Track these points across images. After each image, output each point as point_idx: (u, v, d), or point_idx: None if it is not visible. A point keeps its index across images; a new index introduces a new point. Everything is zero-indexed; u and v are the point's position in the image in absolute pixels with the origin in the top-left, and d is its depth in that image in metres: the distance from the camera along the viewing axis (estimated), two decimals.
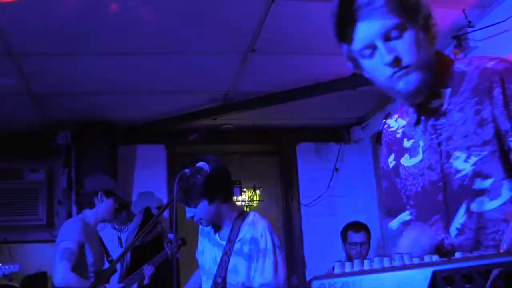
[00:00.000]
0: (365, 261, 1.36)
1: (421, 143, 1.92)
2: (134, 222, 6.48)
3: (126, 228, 6.47)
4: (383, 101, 6.14)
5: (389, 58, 1.72)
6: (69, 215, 5.52)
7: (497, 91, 1.74)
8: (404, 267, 1.30)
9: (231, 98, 5.92)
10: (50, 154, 6.58)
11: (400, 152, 2.00)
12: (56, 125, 6.41)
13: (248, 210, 7.21)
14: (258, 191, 7.70)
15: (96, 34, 4.38)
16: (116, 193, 5.04)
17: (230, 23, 4.35)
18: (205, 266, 3.54)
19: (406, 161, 1.98)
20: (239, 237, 3.35)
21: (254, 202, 7.75)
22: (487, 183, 1.77)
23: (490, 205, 1.77)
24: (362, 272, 1.32)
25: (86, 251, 4.75)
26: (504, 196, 1.76)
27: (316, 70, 5.27)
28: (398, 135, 2.02)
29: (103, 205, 4.94)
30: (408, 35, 1.74)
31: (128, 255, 6.08)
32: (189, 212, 3.35)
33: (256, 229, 3.32)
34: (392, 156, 2.03)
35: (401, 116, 2.04)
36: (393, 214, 2.03)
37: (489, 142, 1.75)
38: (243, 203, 7.57)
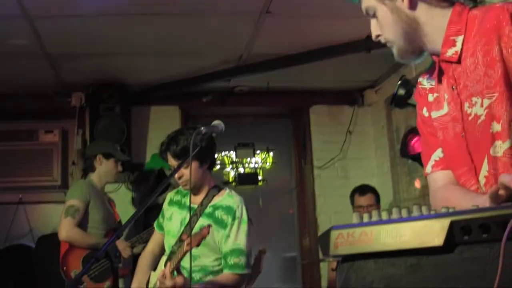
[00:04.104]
0: (383, 212, 1.38)
1: (446, 96, 1.91)
2: (147, 183, 6.51)
3: (140, 188, 6.50)
4: (397, 64, 6.07)
5: (373, 36, 1.99)
6: (84, 176, 5.58)
7: (507, 29, 1.70)
8: (421, 217, 1.31)
9: (245, 60, 5.91)
10: (64, 115, 6.62)
11: (429, 106, 2.01)
12: (70, 87, 6.45)
13: (261, 172, 7.29)
14: (271, 153, 7.70)
15: None
16: (115, 155, 5.25)
17: None
18: (171, 230, 3.71)
19: (434, 114, 1.98)
20: (212, 203, 3.62)
21: (267, 164, 7.76)
22: (499, 126, 1.74)
23: (502, 148, 1.75)
24: (381, 222, 1.34)
25: (93, 209, 5.00)
26: None
27: (330, 32, 5.23)
28: (426, 91, 2.03)
29: (103, 167, 5.22)
30: (379, 15, 1.93)
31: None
32: (179, 172, 3.53)
33: (233, 200, 3.62)
34: (425, 109, 2.03)
35: (429, 73, 2.05)
36: (427, 158, 2.02)
37: (497, 82, 1.72)
38: (256, 165, 7.57)
